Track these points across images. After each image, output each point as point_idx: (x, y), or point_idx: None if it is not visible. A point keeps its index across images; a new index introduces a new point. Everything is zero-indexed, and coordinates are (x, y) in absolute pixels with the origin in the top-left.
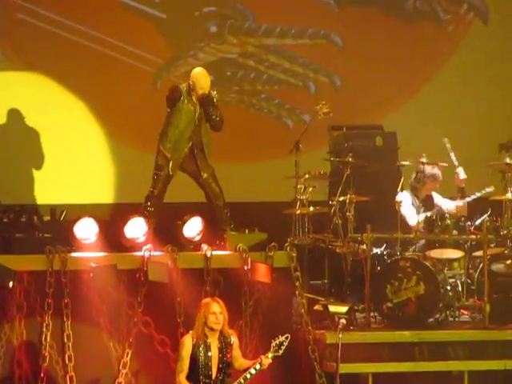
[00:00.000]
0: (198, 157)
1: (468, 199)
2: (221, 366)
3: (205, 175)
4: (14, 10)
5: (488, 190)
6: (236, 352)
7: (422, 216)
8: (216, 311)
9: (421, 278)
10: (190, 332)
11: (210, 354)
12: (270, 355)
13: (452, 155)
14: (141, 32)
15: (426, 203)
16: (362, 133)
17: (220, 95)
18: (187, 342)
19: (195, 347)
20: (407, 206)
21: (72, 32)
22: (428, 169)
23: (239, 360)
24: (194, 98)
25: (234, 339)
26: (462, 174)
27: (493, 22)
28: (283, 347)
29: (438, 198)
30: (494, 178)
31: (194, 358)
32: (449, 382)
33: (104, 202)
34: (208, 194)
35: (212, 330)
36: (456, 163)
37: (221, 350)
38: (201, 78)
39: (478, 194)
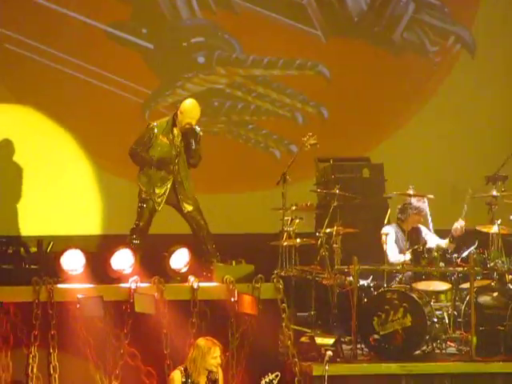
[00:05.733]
0: (179, 190)
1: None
2: None
3: (188, 208)
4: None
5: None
6: None
7: (403, 256)
8: (218, 355)
9: (407, 310)
10: (180, 368)
11: None
12: None
13: (466, 207)
14: (128, 62)
15: (412, 236)
16: (348, 164)
17: (207, 126)
18: (177, 379)
19: None
20: (390, 241)
21: (59, 62)
22: (413, 201)
23: None
24: (174, 131)
25: (220, 373)
26: (462, 229)
27: (480, 54)
28: None
29: (425, 232)
30: (481, 210)
31: None
32: None
33: (91, 234)
34: (192, 227)
35: (211, 372)
36: (463, 215)
37: None
38: (192, 109)
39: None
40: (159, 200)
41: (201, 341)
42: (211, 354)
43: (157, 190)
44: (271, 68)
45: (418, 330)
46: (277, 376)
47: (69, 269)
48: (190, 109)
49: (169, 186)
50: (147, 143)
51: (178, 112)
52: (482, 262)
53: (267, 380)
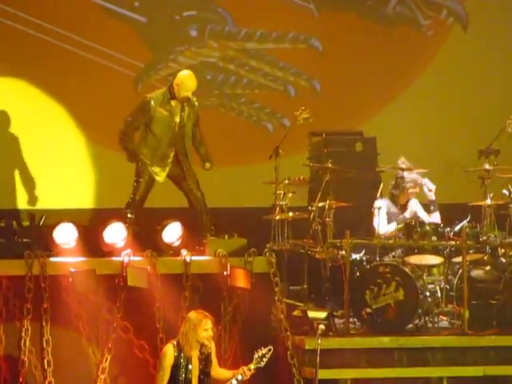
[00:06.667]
0: (184, 163)
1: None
2: (201, 376)
3: (189, 181)
4: None
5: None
6: (213, 359)
7: (392, 226)
8: (209, 328)
9: (400, 284)
10: (172, 341)
11: (190, 366)
12: (252, 367)
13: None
14: (121, 36)
15: (405, 210)
16: (341, 138)
17: (200, 99)
18: (169, 353)
19: (177, 358)
20: (381, 214)
21: (52, 35)
22: (407, 174)
23: (215, 368)
24: (172, 103)
25: (212, 347)
26: (429, 184)
27: (472, 28)
28: (266, 359)
29: (414, 202)
30: (474, 184)
31: (175, 369)
32: None
33: (83, 207)
34: (190, 200)
35: (203, 344)
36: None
37: (201, 361)
38: (188, 79)
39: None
40: (162, 173)
41: (192, 314)
42: (202, 326)
43: (161, 163)
44: (264, 41)
45: (411, 303)
46: (269, 350)
47: (61, 242)
48: (185, 80)
49: (172, 158)
50: (144, 115)
51: (174, 84)
52: (475, 235)
53: (260, 354)
